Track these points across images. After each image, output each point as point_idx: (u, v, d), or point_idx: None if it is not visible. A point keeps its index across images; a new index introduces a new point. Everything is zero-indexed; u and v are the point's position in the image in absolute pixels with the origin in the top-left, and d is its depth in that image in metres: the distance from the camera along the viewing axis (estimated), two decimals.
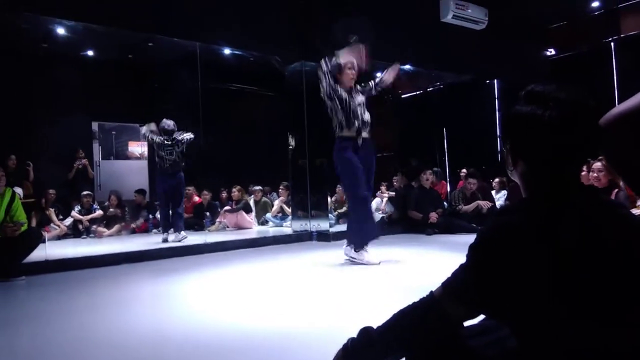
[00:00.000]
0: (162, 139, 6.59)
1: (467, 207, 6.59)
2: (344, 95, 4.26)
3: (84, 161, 9.01)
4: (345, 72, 4.33)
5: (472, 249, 1.05)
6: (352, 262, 4.27)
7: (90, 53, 9.27)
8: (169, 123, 6.74)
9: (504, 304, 1.01)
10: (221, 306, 2.98)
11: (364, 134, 4.27)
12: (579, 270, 0.95)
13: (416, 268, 4.16)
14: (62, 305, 3.27)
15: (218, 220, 8.41)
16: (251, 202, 8.87)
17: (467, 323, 1.12)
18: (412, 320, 1.11)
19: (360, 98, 4.37)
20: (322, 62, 4.33)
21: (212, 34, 6.48)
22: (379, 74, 4.64)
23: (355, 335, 1.18)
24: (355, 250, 4.27)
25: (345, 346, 1.18)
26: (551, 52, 9.25)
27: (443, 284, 1.10)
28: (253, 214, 8.73)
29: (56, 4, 5.49)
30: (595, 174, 4.58)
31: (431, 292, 1.11)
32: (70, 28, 7.17)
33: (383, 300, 2.90)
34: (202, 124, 7.98)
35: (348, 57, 4.37)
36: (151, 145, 6.88)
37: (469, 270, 1.05)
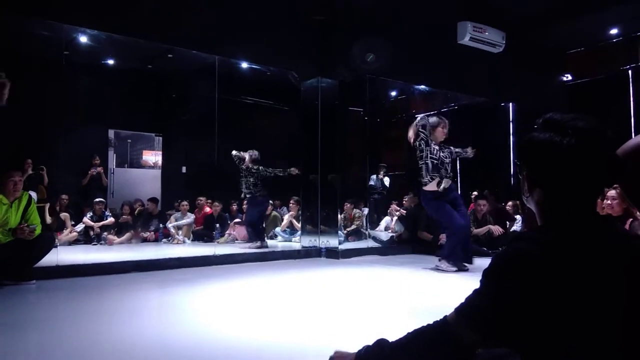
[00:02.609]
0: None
1: (478, 231, 6.53)
2: (435, 147, 5.13)
3: (99, 169, 9.12)
4: (439, 129, 5.23)
5: (487, 276, 1.05)
6: (437, 269, 5.05)
7: (110, 62, 9.44)
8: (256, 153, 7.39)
9: (517, 332, 1.01)
10: (227, 319, 2.98)
11: (447, 182, 5.09)
12: (592, 302, 0.94)
13: (425, 290, 4.12)
14: (71, 311, 3.28)
15: (227, 232, 8.43)
16: None
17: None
18: (425, 344, 1.11)
19: (446, 154, 5.21)
20: (423, 118, 5.24)
21: (230, 47, 6.57)
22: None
23: (370, 344, 1.20)
24: (439, 259, 5.10)
25: (359, 353, 1.20)
26: (568, 77, 9.23)
27: (456, 309, 1.09)
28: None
29: (79, 14, 5.62)
30: (609, 202, 4.53)
31: (445, 316, 1.11)
32: (92, 37, 7.32)
33: (391, 321, 2.88)
34: (217, 136, 8.04)
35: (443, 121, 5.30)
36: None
37: (482, 297, 1.05)
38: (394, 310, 3.23)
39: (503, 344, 1.12)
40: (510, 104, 9.77)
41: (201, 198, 9.02)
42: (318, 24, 7.01)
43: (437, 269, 5.04)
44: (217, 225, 8.66)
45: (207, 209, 8.88)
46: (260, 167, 7.27)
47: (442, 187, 5.01)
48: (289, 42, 6.80)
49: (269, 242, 8.44)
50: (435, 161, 5.07)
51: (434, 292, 4.00)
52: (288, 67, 7.30)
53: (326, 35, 7.00)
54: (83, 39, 7.61)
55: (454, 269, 4.94)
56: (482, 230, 6.52)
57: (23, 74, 8.25)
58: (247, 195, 7.43)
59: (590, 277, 0.95)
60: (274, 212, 9.19)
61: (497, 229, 6.49)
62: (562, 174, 1.04)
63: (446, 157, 5.17)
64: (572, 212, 1.04)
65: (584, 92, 8.93)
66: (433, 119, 5.27)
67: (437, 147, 5.14)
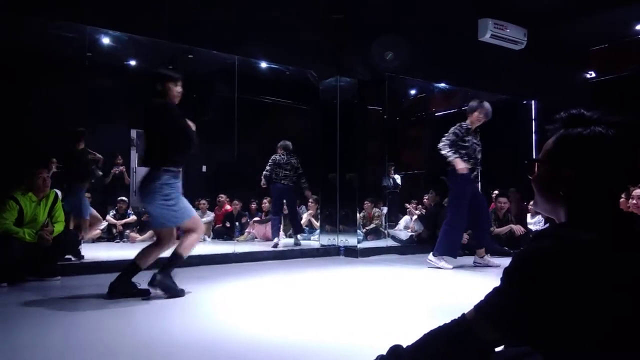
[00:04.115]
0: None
1: (499, 230, 6.44)
2: (469, 137, 5.22)
3: (122, 168, 9.27)
4: (475, 114, 5.25)
5: (508, 274, 1.04)
6: (430, 264, 5.18)
7: (132, 63, 9.58)
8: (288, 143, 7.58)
9: (538, 331, 1.00)
10: (246, 317, 3.00)
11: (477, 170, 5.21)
12: (616, 301, 0.93)
13: (444, 289, 4.09)
14: (94, 307, 3.34)
15: (247, 230, 8.49)
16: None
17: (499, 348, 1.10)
18: (443, 343, 1.10)
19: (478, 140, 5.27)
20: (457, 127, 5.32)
21: (250, 47, 6.62)
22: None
23: (384, 353, 1.17)
24: (434, 255, 5.18)
25: None
26: (591, 74, 9.05)
27: (476, 307, 1.08)
28: (282, 226, 8.77)
29: (102, 15, 5.72)
30: (634, 201, 4.45)
31: (463, 314, 1.10)
32: (115, 38, 7.45)
33: (410, 321, 2.87)
34: (237, 135, 8.12)
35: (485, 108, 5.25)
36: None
37: (503, 295, 1.04)
38: (413, 310, 3.21)
39: (523, 342, 1.10)
40: (533, 101, 9.62)
41: (222, 195, 9.11)
42: (336, 23, 7.01)
43: (430, 263, 5.17)
44: (237, 223, 8.74)
45: (228, 207, 8.95)
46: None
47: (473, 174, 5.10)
48: (308, 42, 6.81)
49: (287, 240, 8.48)
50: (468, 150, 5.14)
51: (454, 291, 3.97)
52: (307, 67, 7.32)
53: (345, 34, 6.99)
54: (105, 40, 7.74)
55: (450, 267, 5.09)
56: (503, 229, 6.45)
57: (47, 75, 8.47)
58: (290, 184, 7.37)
59: (614, 276, 0.94)
60: None
61: (518, 229, 6.41)
62: (604, 168, 1.03)
63: (478, 145, 5.25)
64: (601, 208, 1.04)
65: (608, 89, 8.75)
66: (473, 103, 5.34)
67: (470, 138, 5.20)
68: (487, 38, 7.66)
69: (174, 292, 3.53)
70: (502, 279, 1.05)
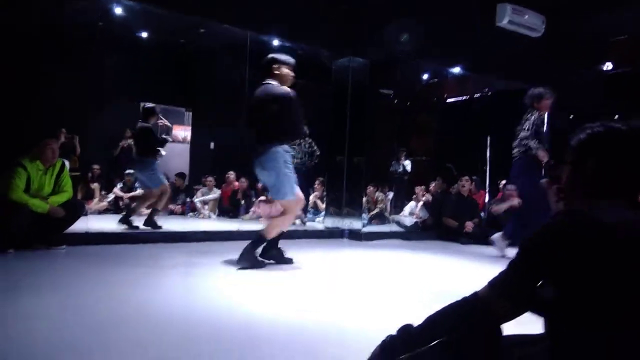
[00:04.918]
0: None
1: (497, 208, 6.31)
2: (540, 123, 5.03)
3: (130, 141, 9.27)
4: (543, 101, 5.03)
5: (525, 247, 1.09)
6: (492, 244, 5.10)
7: (143, 35, 9.51)
8: None
9: (552, 304, 1.05)
10: (250, 294, 3.01)
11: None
12: (628, 281, 0.97)
13: (447, 275, 4.09)
14: (97, 277, 3.37)
15: (252, 209, 8.49)
16: None
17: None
18: (454, 320, 1.13)
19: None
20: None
21: (263, 24, 6.53)
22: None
23: (393, 332, 1.19)
24: (502, 239, 4.98)
25: (383, 342, 1.20)
26: (608, 66, 8.88)
27: (489, 282, 1.13)
28: None
29: None
30: None
31: (475, 292, 1.13)
32: (127, 7, 7.38)
33: (414, 303, 2.86)
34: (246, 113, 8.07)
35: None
36: None
37: (519, 267, 1.08)
38: (417, 294, 3.21)
39: (535, 312, 1.14)
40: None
41: (231, 173, 9.11)
42: (351, 3, 6.89)
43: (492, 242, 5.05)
44: (242, 201, 8.74)
45: (236, 184, 8.97)
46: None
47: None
48: (322, 20, 6.71)
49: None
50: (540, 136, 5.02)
51: (458, 276, 3.96)
52: (320, 45, 7.21)
53: (360, 14, 6.87)
54: (118, 10, 7.67)
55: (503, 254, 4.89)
56: (502, 206, 6.29)
57: (58, 45, 8.43)
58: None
59: (629, 257, 0.98)
60: None
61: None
62: (624, 161, 1.10)
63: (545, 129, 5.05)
64: (621, 197, 1.09)
65: (623, 82, 8.58)
66: (538, 90, 5.15)
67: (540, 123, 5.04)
68: (504, 24, 7.51)
69: (257, 265, 3.79)
70: (517, 252, 1.10)
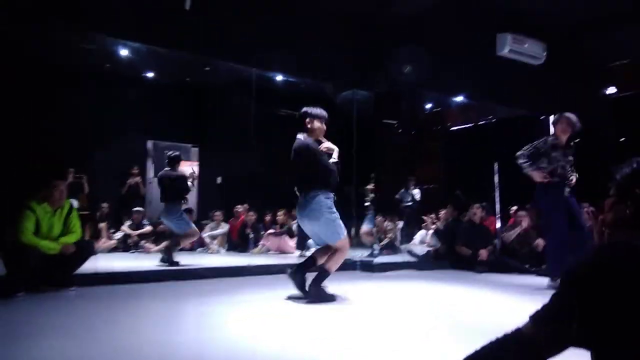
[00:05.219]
0: None
1: (508, 235, 6.22)
2: (555, 153, 4.93)
3: (137, 179, 9.31)
4: (558, 127, 5.05)
5: (568, 279, 1.06)
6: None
7: (150, 75, 9.67)
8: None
9: (596, 339, 1.01)
10: (260, 333, 2.92)
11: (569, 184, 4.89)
12: None
13: (471, 307, 3.98)
14: (107, 319, 3.30)
15: (261, 243, 8.43)
16: (294, 227, 8.85)
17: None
18: (498, 356, 1.10)
19: (569, 155, 4.97)
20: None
21: (267, 60, 6.62)
22: None
23: None
24: (552, 281, 4.70)
25: None
26: (612, 90, 8.90)
27: (531, 317, 1.10)
28: (296, 239, 8.71)
29: (122, 26, 5.76)
30: None
31: (517, 327, 1.10)
32: (133, 50, 7.53)
33: (433, 338, 2.77)
34: (254, 147, 8.14)
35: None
36: None
37: (562, 300, 1.06)
38: (445, 327, 3.11)
39: (582, 347, 1.09)
40: (551, 117, 9.49)
41: (239, 206, 9.10)
42: (354, 36, 6.99)
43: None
44: (251, 235, 8.68)
45: (243, 217, 8.96)
46: None
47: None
48: (326, 54, 6.80)
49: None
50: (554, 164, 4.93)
51: (482, 308, 3.86)
52: (324, 79, 7.30)
53: (363, 47, 6.97)
54: (124, 52, 7.84)
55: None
56: (511, 234, 6.20)
57: (65, 86, 8.57)
58: None
59: None
60: None
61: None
62: None
63: (567, 160, 4.95)
64: None
65: (629, 106, 8.59)
66: (555, 116, 5.24)
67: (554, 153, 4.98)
68: (505, 53, 7.59)
69: (326, 299, 3.90)
70: (560, 286, 1.08)
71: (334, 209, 3.99)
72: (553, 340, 1.05)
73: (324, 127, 4.17)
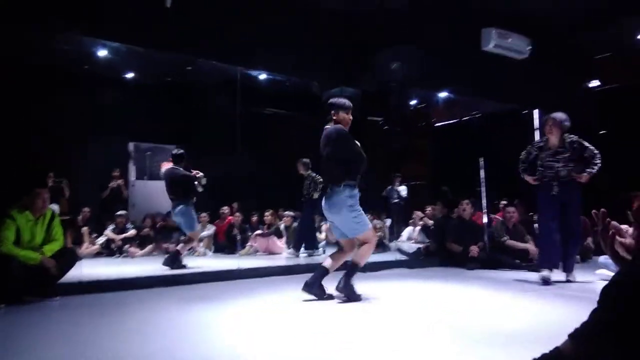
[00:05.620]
0: None
1: (513, 243, 6.19)
2: (544, 154, 5.04)
3: (119, 181, 9.08)
4: (546, 128, 5.09)
5: (607, 295, 1.03)
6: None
7: (130, 75, 9.46)
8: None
9: (636, 354, 0.98)
10: (252, 340, 2.83)
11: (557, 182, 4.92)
12: None
13: (461, 305, 3.93)
14: (93, 329, 3.18)
15: (249, 244, 8.31)
16: (282, 227, 8.75)
17: None
18: None
19: (564, 153, 4.95)
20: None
21: (253, 58, 6.50)
22: None
23: None
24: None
25: None
26: (595, 83, 8.99)
27: (571, 335, 1.06)
28: (284, 239, 8.61)
29: (100, 26, 5.59)
30: None
31: (557, 347, 1.06)
32: (113, 50, 7.33)
33: (430, 338, 2.71)
34: (240, 147, 7.99)
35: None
36: None
37: (602, 318, 1.02)
38: (431, 327, 3.05)
39: None
40: (535, 111, 9.54)
41: (225, 208, 8.95)
42: (341, 33, 6.91)
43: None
44: (238, 237, 8.56)
45: (230, 218, 8.82)
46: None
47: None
48: (312, 52, 6.71)
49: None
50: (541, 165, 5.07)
51: (469, 306, 3.81)
52: (311, 77, 7.21)
53: (349, 45, 6.89)
54: (102, 52, 7.63)
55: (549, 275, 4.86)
56: (519, 245, 6.18)
57: (44, 89, 8.33)
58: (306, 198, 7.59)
59: None
60: (295, 224, 9.03)
61: (534, 250, 5.97)
62: None
63: (557, 160, 4.96)
64: None
65: (613, 99, 8.69)
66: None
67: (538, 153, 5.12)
68: (490, 48, 7.60)
69: (353, 297, 3.98)
70: (600, 301, 1.04)
71: (358, 204, 4.02)
72: (593, 359, 1.00)
73: (350, 117, 4.19)
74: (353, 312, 3.70)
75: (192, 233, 6.28)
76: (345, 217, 3.99)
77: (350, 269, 4.08)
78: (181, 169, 6.31)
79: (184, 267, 5.90)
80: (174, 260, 5.90)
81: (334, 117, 4.14)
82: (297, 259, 7.33)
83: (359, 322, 3.32)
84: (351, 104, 4.22)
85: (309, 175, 7.52)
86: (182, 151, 6.42)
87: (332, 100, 4.24)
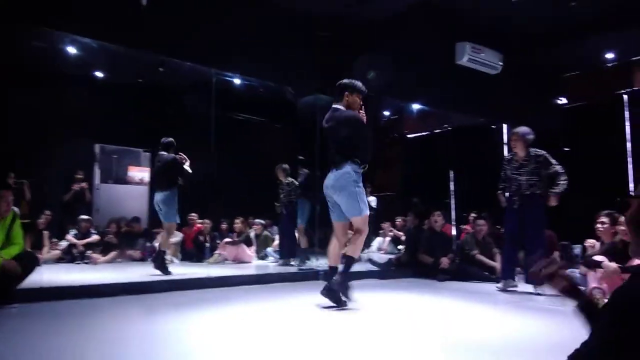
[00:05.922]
0: None
1: (482, 259, 6.22)
2: (508, 168, 5.24)
3: (83, 184, 8.75)
4: (511, 143, 5.25)
5: (610, 315, 1.01)
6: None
7: (99, 74, 9.18)
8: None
9: None
10: (223, 353, 2.71)
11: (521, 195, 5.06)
12: None
13: (433, 316, 3.91)
14: (53, 339, 2.99)
15: (217, 252, 8.12)
16: (252, 236, 8.60)
17: None
18: None
19: (528, 166, 5.07)
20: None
21: (228, 61, 6.39)
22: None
23: None
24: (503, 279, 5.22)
25: None
26: (563, 100, 9.25)
27: (571, 357, 1.04)
28: (254, 247, 8.47)
29: (70, 20, 5.38)
30: (600, 226, 4.66)
31: None
32: (82, 47, 7.07)
33: (408, 349, 2.66)
34: (213, 153, 7.84)
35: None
36: None
37: (604, 336, 1.00)
38: (407, 338, 3.00)
39: None
40: (504, 125, 9.73)
41: (193, 214, 8.73)
42: (317, 40, 6.88)
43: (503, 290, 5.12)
44: (207, 244, 8.37)
45: (199, 225, 8.62)
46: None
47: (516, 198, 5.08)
48: (288, 58, 6.65)
49: (260, 262, 8.17)
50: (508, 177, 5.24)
51: (441, 317, 3.79)
52: (285, 83, 7.14)
53: (325, 51, 6.86)
54: (72, 49, 7.36)
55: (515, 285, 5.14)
56: (488, 262, 6.21)
57: (6, 86, 7.98)
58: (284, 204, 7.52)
59: None
60: (265, 232, 8.91)
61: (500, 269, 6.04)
62: None
63: (521, 172, 5.08)
64: None
65: (580, 116, 8.95)
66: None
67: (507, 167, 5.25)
68: (464, 62, 7.70)
69: (342, 299, 3.94)
70: (601, 321, 1.03)
71: (361, 184, 4.06)
72: None
73: (361, 102, 4.23)
74: (326, 322, 3.62)
75: (169, 224, 6.07)
76: (350, 193, 3.97)
77: (347, 264, 4.01)
78: (168, 156, 6.16)
79: (169, 273, 5.69)
80: (162, 261, 5.74)
81: (347, 99, 4.15)
82: (268, 268, 7.22)
83: (333, 334, 3.24)
84: (366, 90, 4.26)
85: (291, 182, 7.41)
86: (170, 139, 6.26)
87: (347, 81, 4.24)
